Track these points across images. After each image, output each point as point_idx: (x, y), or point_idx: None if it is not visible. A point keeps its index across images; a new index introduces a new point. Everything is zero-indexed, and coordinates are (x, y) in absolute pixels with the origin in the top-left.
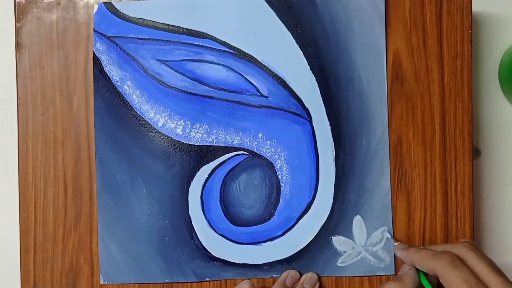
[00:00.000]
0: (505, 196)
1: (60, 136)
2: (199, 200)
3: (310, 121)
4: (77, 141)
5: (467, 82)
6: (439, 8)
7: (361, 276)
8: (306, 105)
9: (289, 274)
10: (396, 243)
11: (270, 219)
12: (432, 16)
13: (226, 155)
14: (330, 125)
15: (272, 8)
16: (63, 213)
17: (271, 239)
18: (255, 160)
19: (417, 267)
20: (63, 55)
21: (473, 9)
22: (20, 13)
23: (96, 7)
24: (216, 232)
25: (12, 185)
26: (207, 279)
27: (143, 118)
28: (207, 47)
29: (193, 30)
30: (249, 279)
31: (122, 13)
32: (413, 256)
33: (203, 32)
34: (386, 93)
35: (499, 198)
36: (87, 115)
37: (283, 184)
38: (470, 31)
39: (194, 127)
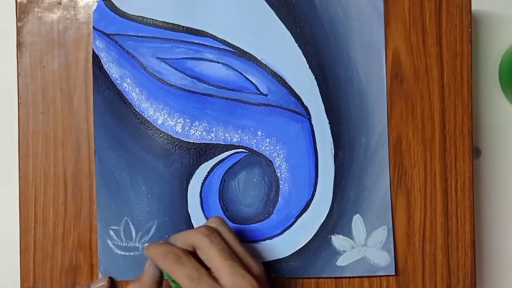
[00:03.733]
0: (505, 196)
1: (60, 134)
2: (199, 197)
3: (309, 119)
4: (77, 140)
5: (467, 80)
6: (438, 7)
7: (361, 277)
8: (305, 103)
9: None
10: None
11: (269, 217)
12: (432, 14)
13: (225, 152)
14: (329, 123)
15: (271, 7)
16: (63, 212)
17: (270, 238)
18: (254, 158)
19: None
20: (63, 54)
21: (473, 7)
22: (21, 12)
23: (95, 5)
24: None
25: (12, 184)
26: None
27: (142, 115)
28: (207, 45)
29: (193, 29)
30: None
31: (122, 10)
32: (150, 253)
33: (203, 31)
34: (386, 91)
35: (499, 197)
36: (87, 114)
37: (282, 182)
38: (470, 30)
39: (194, 125)
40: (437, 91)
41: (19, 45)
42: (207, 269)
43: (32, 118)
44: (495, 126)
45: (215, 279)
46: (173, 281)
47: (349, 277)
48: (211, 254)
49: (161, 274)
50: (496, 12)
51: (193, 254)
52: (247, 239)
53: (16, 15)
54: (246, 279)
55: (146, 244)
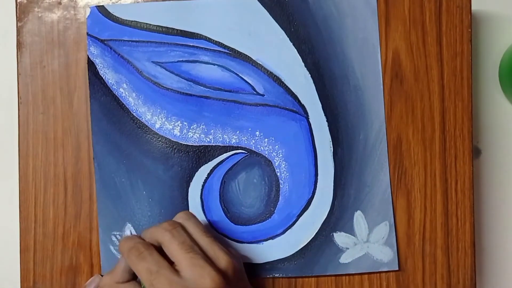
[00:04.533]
0: (505, 196)
1: (60, 135)
2: (199, 200)
3: (307, 118)
4: (77, 140)
5: (467, 80)
6: (438, 7)
7: (363, 274)
8: (302, 101)
9: None
10: None
11: (270, 217)
12: (432, 14)
13: (224, 154)
14: (327, 121)
15: (264, 7)
16: (63, 212)
17: (272, 238)
18: (253, 158)
19: None
20: (63, 54)
21: (473, 8)
22: (21, 12)
23: (88, 11)
24: (217, 231)
25: (12, 184)
26: None
27: (140, 120)
28: (202, 47)
29: (187, 31)
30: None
31: (115, 16)
32: (119, 247)
33: (197, 33)
34: (382, 88)
35: (499, 197)
36: (87, 114)
37: (282, 182)
38: (470, 30)
39: (192, 127)
40: (437, 91)
41: (19, 45)
42: (172, 263)
43: (32, 118)
44: (495, 126)
45: (177, 272)
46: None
47: (349, 275)
48: (173, 248)
49: None
50: (496, 12)
51: (159, 248)
52: (249, 240)
53: (16, 15)
54: (206, 271)
55: (120, 239)
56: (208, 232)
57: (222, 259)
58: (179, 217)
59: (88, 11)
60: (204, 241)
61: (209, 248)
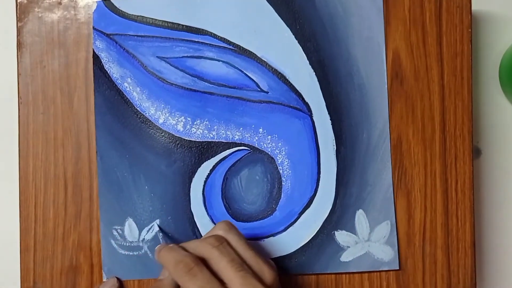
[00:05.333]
0: (505, 196)
1: (60, 134)
2: (201, 196)
3: (311, 116)
4: (77, 140)
5: (467, 80)
6: (438, 7)
7: (363, 273)
8: (306, 99)
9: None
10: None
11: (272, 215)
12: (432, 14)
13: (227, 150)
14: (330, 119)
15: (270, 4)
16: (63, 212)
17: (273, 235)
18: (256, 155)
19: None
20: (64, 54)
21: (473, 8)
22: (21, 12)
23: (94, 5)
24: None
25: (12, 184)
26: None
27: (143, 115)
28: (207, 43)
29: (193, 27)
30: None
31: (121, 10)
32: (162, 259)
33: (202, 29)
34: (386, 87)
35: (499, 197)
36: (87, 114)
37: (284, 179)
38: (470, 30)
39: (195, 123)
40: (437, 91)
41: (19, 45)
42: (219, 279)
43: (32, 118)
44: (495, 126)
45: None
46: None
47: (349, 273)
48: (222, 266)
49: None
50: (496, 12)
51: (204, 262)
52: (250, 237)
53: (16, 15)
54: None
55: (158, 246)
56: (250, 245)
57: (267, 273)
58: (220, 228)
59: (94, 5)
60: (249, 255)
61: (254, 263)
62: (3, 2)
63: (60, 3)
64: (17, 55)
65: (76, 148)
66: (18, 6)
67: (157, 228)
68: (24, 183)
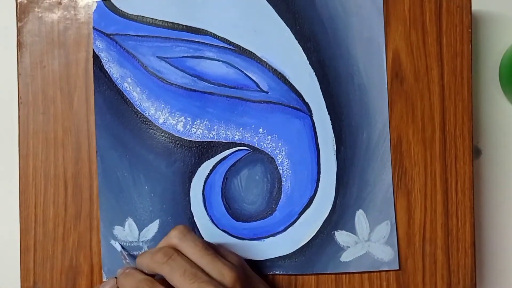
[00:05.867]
0: (505, 196)
1: (60, 135)
2: (201, 196)
3: (311, 116)
4: (77, 140)
5: (467, 80)
6: (438, 7)
7: (363, 273)
8: (306, 99)
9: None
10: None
11: (272, 215)
12: (432, 14)
13: (227, 150)
14: (330, 119)
15: (270, 4)
16: (63, 212)
17: (273, 235)
18: (256, 155)
19: None
20: (64, 54)
21: (473, 8)
22: (21, 12)
23: (94, 5)
24: (218, 228)
25: (12, 184)
26: None
27: (143, 115)
28: (207, 43)
29: (193, 27)
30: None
31: (121, 10)
32: (119, 284)
33: (202, 29)
34: (386, 87)
35: (499, 197)
36: (87, 114)
37: (284, 179)
38: (470, 30)
39: (195, 123)
40: (437, 91)
41: (19, 45)
42: None
43: (32, 118)
44: (495, 126)
45: None
46: None
47: (349, 273)
48: (176, 280)
49: None
50: (497, 12)
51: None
52: (250, 237)
53: (16, 15)
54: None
55: (117, 273)
56: (206, 249)
57: (227, 276)
58: (174, 237)
59: (94, 5)
60: (205, 260)
61: (212, 268)
62: (3, 2)
63: (60, 3)
64: (17, 55)
65: (76, 148)
66: (18, 6)
67: (119, 248)
68: (24, 183)
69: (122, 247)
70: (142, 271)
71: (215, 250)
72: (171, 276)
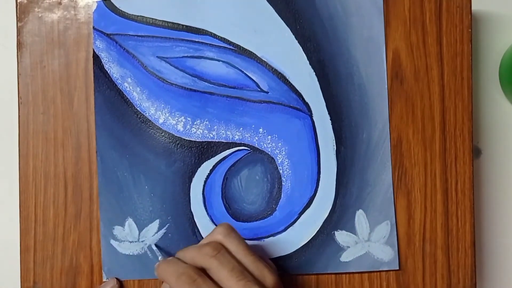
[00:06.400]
0: (505, 196)
1: (60, 135)
2: (201, 196)
3: (311, 116)
4: (77, 140)
5: (467, 80)
6: (438, 7)
7: (363, 273)
8: (306, 99)
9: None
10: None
11: (272, 215)
12: (432, 14)
13: (227, 150)
14: (330, 119)
15: (270, 4)
16: (63, 212)
17: (273, 235)
18: (256, 155)
19: None
20: (64, 54)
21: (473, 8)
22: (21, 12)
23: (95, 5)
24: None
25: (12, 184)
26: None
27: (143, 115)
28: (207, 43)
29: (193, 27)
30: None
31: (121, 10)
32: (161, 273)
33: (202, 29)
34: (386, 87)
35: (499, 198)
36: (87, 114)
37: (284, 179)
38: (470, 30)
39: (195, 123)
40: (437, 91)
41: (19, 45)
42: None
43: (32, 118)
44: (495, 126)
45: None
46: None
47: (349, 273)
48: (223, 276)
49: None
50: (496, 12)
51: (204, 271)
52: (250, 237)
53: (16, 15)
54: None
55: (157, 264)
56: (250, 249)
57: (268, 278)
58: (219, 232)
59: (94, 5)
60: (249, 260)
61: (255, 268)
62: (3, 2)
63: (60, 3)
64: (17, 55)
65: (76, 148)
66: (18, 6)
67: (154, 248)
68: (24, 183)
69: (156, 245)
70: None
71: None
72: (219, 270)
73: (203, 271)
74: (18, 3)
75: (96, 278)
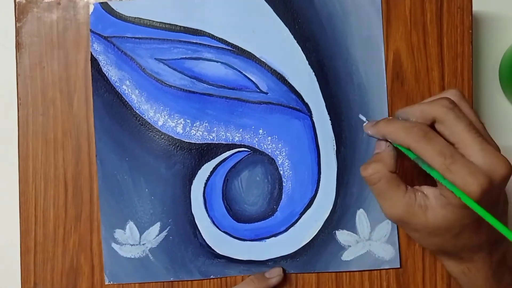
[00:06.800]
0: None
1: (60, 136)
2: (202, 198)
3: (310, 116)
4: (77, 141)
5: (468, 82)
6: (439, 8)
7: (363, 272)
8: (306, 100)
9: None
10: (366, 122)
11: (273, 215)
12: (433, 15)
13: (227, 152)
14: (330, 119)
15: (269, 4)
16: (64, 213)
17: (275, 235)
18: (256, 156)
19: (389, 140)
20: (63, 55)
21: (474, 8)
22: (20, 13)
23: (91, 8)
24: (219, 229)
25: (12, 185)
26: (212, 276)
27: (142, 117)
28: (205, 44)
29: (190, 28)
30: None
31: (118, 12)
32: (384, 129)
33: (200, 30)
34: (386, 86)
35: None
36: (87, 115)
37: (285, 180)
38: (471, 31)
39: (194, 125)
40: (438, 92)
41: (18, 45)
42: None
43: (31, 119)
44: (495, 126)
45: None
46: (419, 159)
47: (349, 272)
48: (459, 129)
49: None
50: (497, 13)
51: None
52: (252, 238)
53: (15, 16)
54: (501, 159)
55: (368, 124)
56: (474, 127)
57: (497, 150)
58: (453, 95)
59: (91, 7)
60: (481, 127)
61: (487, 136)
62: (2, 2)
63: (59, 4)
64: (16, 56)
65: (76, 149)
66: (16, 6)
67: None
68: (24, 184)
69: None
70: None
71: None
72: (455, 123)
73: None
74: (16, 3)
75: (96, 279)
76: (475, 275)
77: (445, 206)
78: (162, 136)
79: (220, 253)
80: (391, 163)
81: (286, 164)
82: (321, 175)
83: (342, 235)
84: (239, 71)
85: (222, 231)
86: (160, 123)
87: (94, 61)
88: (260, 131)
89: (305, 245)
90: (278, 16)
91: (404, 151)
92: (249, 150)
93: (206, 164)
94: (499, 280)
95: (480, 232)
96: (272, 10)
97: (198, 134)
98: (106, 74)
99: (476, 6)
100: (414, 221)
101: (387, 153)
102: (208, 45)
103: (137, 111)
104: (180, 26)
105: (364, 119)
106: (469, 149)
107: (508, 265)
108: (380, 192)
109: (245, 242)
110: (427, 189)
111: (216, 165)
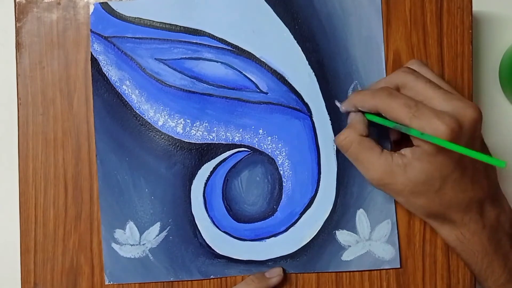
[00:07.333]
0: (506, 196)
1: (60, 136)
2: (202, 198)
3: (310, 116)
4: (77, 141)
5: (468, 82)
6: (439, 8)
7: (363, 272)
8: (306, 100)
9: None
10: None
11: (273, 215)
12: (433, 15)
13: (227, 152)
14: (330, 119)
15: (269, 5)
16: (64, 213)
17: (275, 235)
18: (256, 156)
19: (360, 109)
20: (63, 55)
21: (474, 8)
22: (20, 12)
23: (92, 8)
24: (219, 229)
25: (12, 185)
26: (212, 276)
27: (143, 117)
28: (205, 44)
29: (190, 28)
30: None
31: (119, 12)
32: (353, 100)
33: (200, 30)
34: None
35: None
36: (87, 115)
37: (285, 180)
38: (471, 31)
39: (195, 125)
40: None
41: (18, 45)
42: None
43: (31, 119)
44: (495, 126)
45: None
46: (396, 124)
47: (349, 272)
48: (420, 87)
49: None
50: (496, 12)
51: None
52: (252, 238)
53: (15, 16)
54: (467, 103)
55: (350, 95)
56: (434, 83)
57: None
58: (412, 64)
59: (91, 8)
60: (445, 85)
61: (453, 92)
62: (2, 2)
63: (59, 3)
64: (16, 56)
65: (76, 149)
66: (16, 6)
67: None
68: (24, 184)
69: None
70: None
71: None
72: (416, 82)
73: None
74: (16, 3)
75: (96, 279)
76: (470, 240)
77: (420, 158)
78: (162, 136)
79: (220, 253)
80: (360, 127)
81: (286, 164)
82: (321, 175)
83: (342, 235)
84: (239, 71)
85: (222, 231)
86: (160, 123)
87: (94, 61)
88: (260, 131)
89: (305, 245)
90: (278, 16)
91: (381, 122)
92: (249, 150)
93: (206, 164)
94: (496, 246)
95: (465, 187)
96: (272, 10)
97: (198, 134)
98: (106, 74)
99: (476, 6)
100: (394, 181)
101: (356, 119)
102: (208, 45)
103: (137, 111)
104: (180, 26)
105: (339, 104)
106: (434, 100)
107: (505, 230)
108: (355, 157)
109: (245, 242)
110: (404, 150)
111: (216, 165)
